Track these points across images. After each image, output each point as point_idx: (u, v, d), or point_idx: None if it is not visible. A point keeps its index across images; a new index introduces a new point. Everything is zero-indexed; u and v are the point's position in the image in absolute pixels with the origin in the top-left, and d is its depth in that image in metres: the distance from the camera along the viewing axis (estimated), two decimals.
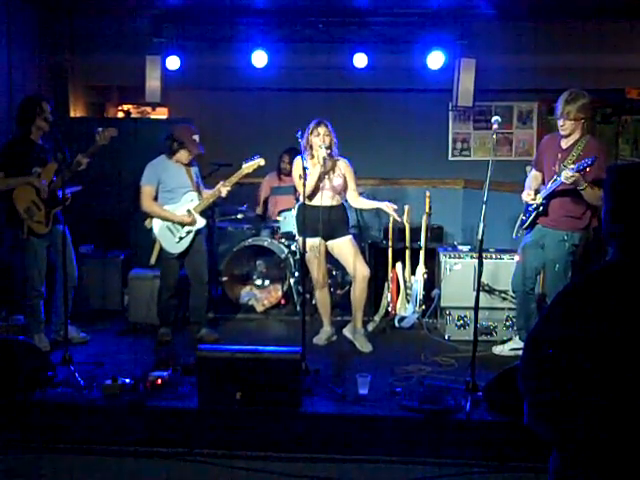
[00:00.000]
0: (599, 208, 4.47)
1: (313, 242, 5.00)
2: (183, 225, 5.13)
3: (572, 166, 4.27)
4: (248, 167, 5.11)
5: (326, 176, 5.00)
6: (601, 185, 4.26)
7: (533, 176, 4.81)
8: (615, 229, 1.87)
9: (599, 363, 1.74)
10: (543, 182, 4.72)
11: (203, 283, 5.29)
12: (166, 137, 5.15)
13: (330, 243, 5.08)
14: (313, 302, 6.01)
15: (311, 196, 4.95)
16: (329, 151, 4.90)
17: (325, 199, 4.98)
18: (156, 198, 5.15)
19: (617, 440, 1.73)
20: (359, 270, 5.07)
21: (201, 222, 5.20)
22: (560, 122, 4.49)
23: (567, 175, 4.24)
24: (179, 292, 5.35)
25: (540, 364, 1.82)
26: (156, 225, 5.16)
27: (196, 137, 5.11)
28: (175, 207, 5.14)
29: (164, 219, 5.13)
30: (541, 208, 4.59)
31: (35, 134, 4.81)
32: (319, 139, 4.89)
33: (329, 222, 4.97)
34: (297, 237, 5.19)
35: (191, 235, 5.16)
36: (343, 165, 5.10)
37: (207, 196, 5.19)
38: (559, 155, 4.54)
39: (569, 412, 1.78)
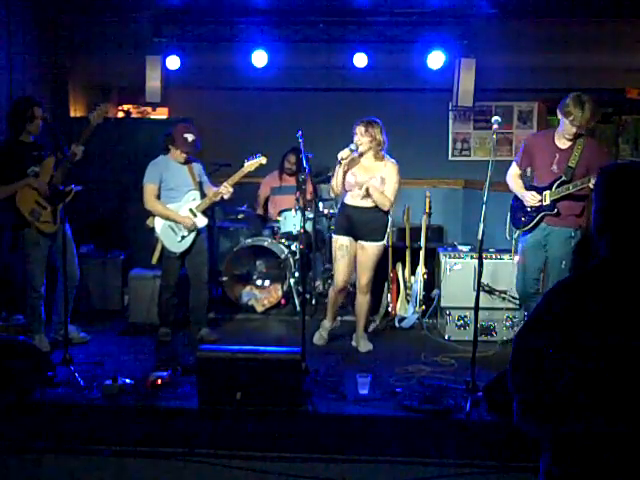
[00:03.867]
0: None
1: (343, 241, 4.98)
2: (185, 226, 5.13)
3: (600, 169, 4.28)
4: (250, 165, 5.10)
5: (361, 176, 4.89)
6: None
7: (517, 174, 4.81)
8: (604, 228, 1.88)
9: (588, 361, 1.75)
10: (522, 179, 4.76)
11: (203, 283, 5.28)
12: (164, 135, 5.17)
13: (359, 243, 5.00)
14: (313, 302, 6.03)
15: (343, 191, 4.93)
16: (352, 151, 4.81)
17: (359, 200, 4.91)
18: (159, 197, 5.15)
19: (607, 437, 1.74)
20: (359, 280, 5.08)
21: (203, 221, 5.20)
22: (574, 129, 4.42)
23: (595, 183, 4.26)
24: (179, 292, 5.35)
25: (529, 362, 1.83)
26: (158, 224, 5.16)
27: (188, 135, 5.06)
28: (177, 206, 5.15)
29: (166, 218, 5.13)
30: (555, 210, 4.56)
31: (25, 136, 4.79)
32: (355, 138, 4.84)
33: (362, 223, 4.92)
34: (333, 235, 5.15)
35: (193, 234, 5.16)
36: (388, 168, 4.92)
37: (210, 195, 5.18)
38: (557, 155, 4.54)
39: (558, 410, 1.78)
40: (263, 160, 5.11)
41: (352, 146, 4.81)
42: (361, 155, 4.91)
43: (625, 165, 2.03)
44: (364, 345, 5.11)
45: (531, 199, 4.62)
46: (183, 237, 5.14)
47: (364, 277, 5.04)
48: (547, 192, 4.58)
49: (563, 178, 4.49)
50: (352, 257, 5.03)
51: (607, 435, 1.74)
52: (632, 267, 1.81)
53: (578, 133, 4.47)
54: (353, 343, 5.21)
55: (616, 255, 1.84)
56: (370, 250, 4.98)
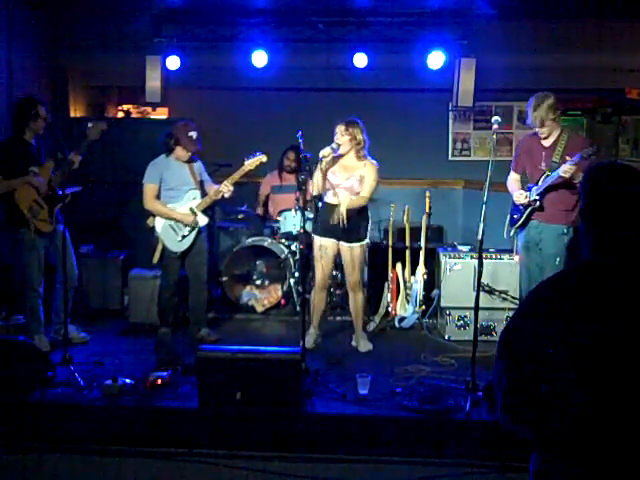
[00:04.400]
0: None
1: (323, 242, 4.97)
2: (185, 224, 5.13)
3: (568, 158, 4.40)
4: (250, 164, 5.09)
5: (341, 175, 4.93)
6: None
7: (515, 179, 4.93)
8: (588, 227, 1.89)
9: (571, 360, 1.75)
10: (522, 182, 4.86)
11: (202, 283, 5.28)
12: (165, 135, 5.16)
13: (342, 244, 5.01)
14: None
15: (323, 190, 4.93)
16: (334, 150, 4.85)
17: (340, 198, 4.92)
18: (159, 197, 5.15)
19: (592, 435, 1.74)
20: (349, 279, 5.08)
21: (203, 220, 5.20)
22: (536, 129, 4.62)
23: (566, 169, 4.37)
24: (179, 292, 5.35)
25: (514, 360, 1.84)
26: (158, 224, 5.15)
27: (193, 134, 5.07)
28: (178, 205, 5.14)
29: (167, 217, 5.13)
30: (537, 204, 4.65)
31: (28, 135, 4.82)
32: (336, 137, 4.88)
33: (344, 222, 4.93)
34: (312, 235, 5.14)
35: (193, 234, 5.16)
36: (367, 167, 4.93)
37: (211, 194, 5.18)
38: (543, 153, 4.67)
39: (543, 409, 1.79)
40: (264, 158, 5.11)
41: (333, 145, 4.86)
42: (342, 155, 4.93)
43: (608, 165, 2.03)
44: (364, 345, 5.10)
45: (518, 197, 4.75)
46: (184, 236, 5.14)
47: (353, 276, 5.05)
48: (534, 188, 4.68)
49: (547, 173, 4.59)
50: (332, 257, 5.05)
51: (594, 432, 1.74)
52: (614, 267, 1.81)
53: (550, 131, 4.59)
54: (353, 343, 5.20)
55: (598, 255, 1.85)
56: (355, 251, 5.00)
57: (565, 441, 1.78)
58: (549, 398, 1.78)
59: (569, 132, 4.69)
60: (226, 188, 5.08)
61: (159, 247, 5.17)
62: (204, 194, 5.22)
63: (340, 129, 4.88)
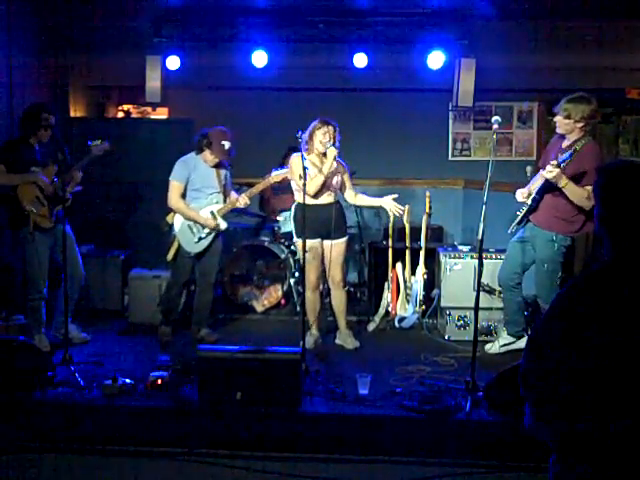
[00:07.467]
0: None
1: (313, 243, 4.97)
2: (204, 226, 5.13)
3: (554, 162, 4.31)
4: (276, 176, 5.10)
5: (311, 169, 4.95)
6: (585, 184, 4.30)
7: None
8: (603, 231, 1.87)
9: (596, 364, 1.75)
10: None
11: (210, 284, 5.29)
12: (200, 134, 5.13)
13: (327, 242, 5.04)
14: None
15: (315, 194, 4.93)
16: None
17: (325, 197, 4.99)
18: (183, 196, 5.13)
19: (618, 441, 1.73)
20: (333, 276, 5.09)
21: (223, 225, 5.19)
22: (555, 119, 4.53)
23: (547, 170, 4.30)
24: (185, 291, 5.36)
25: (541, 365, 1.82)
26: (177, 222, 5.15)
27: (226, 143, 5.04)
28: (199, 207, 5.12)
29: (188, 218, 5.12)
30: (530, 204, 4.62)
31: (33, 140, 4.85)
32: (329, 139, 4.88)
33: (330, 220, 4.96)
34: (295, 239, 5.15)
35: (211, 237, 5.16)
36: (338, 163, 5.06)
37: (231, 201, 5.19)
38: (557, 154, 4.57)
39: (571, 414, 1.78)
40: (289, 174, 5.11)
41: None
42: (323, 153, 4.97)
43: (619, 165, 1.96)
44: (351, 342, 5.10)
45: (518, 194, 4.72)
46: (200, 238, 5.13)
47: (338, 273, 5.07)
48: (532, 187, 4.66)
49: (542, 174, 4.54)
50: (321, 256, 5.06)
51: (620, 438, 1.73)
52: (632, 270, 1.80)
53: (567, 130, 4.50)
54: (337, 341, 5.19)
55: (617, 259, 1.84)
56: (341, 246, 5.06)
57: (586, 447, 1.77)
58: (572, 399, 1.77)
59: (587, 139, 4.48)
60: (243, 201, 5.13)
61: (174, 245, 5.17)
62: (226, 200, 5.22)
63: (332, 129, 4.88)
